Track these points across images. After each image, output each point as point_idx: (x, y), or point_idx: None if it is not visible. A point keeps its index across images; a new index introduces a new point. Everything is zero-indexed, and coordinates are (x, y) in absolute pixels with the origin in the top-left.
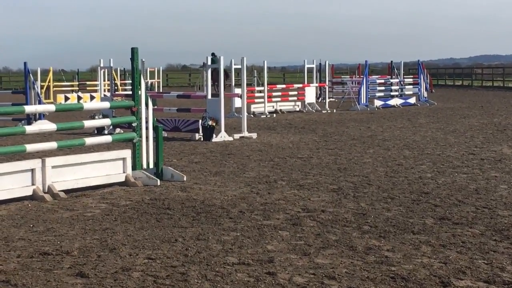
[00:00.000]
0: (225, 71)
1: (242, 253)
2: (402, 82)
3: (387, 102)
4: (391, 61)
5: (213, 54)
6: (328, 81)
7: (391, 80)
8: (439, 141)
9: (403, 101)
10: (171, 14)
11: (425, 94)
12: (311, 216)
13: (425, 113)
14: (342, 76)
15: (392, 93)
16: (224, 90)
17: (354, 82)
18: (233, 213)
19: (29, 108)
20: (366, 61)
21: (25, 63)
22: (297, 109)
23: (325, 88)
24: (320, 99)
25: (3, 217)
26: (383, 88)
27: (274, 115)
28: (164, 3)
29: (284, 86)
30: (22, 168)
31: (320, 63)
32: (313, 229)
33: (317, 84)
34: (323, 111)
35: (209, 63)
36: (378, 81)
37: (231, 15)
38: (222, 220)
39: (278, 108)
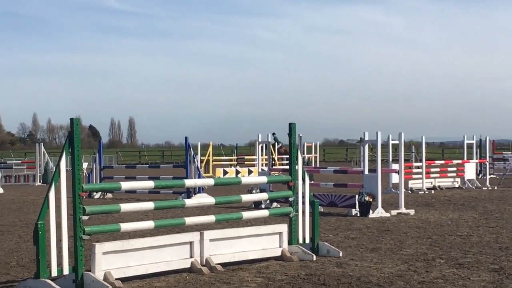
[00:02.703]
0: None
1: None
2: None
3: None
4: None
5: (274, 134)
6: (489, 157)
7: None
8: None
9: None
10: (327, 89)
11: None
12: None
13: None
14: (504, 152)
15: None
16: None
17: None
18: None
19: (189, 182)
20: None
21: (186, 138)
22: (456, 185)
23: (486, 164)
24: (480, 175)
25: None
26: None
27: (433, 191)
28: (321, 79)
29: (442, 162)
30: (181, 241)
31: (480, 139)
32: None
33: (477, 160)
34: (484, 188)
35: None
36: None
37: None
38: None
39: (437, 184)
